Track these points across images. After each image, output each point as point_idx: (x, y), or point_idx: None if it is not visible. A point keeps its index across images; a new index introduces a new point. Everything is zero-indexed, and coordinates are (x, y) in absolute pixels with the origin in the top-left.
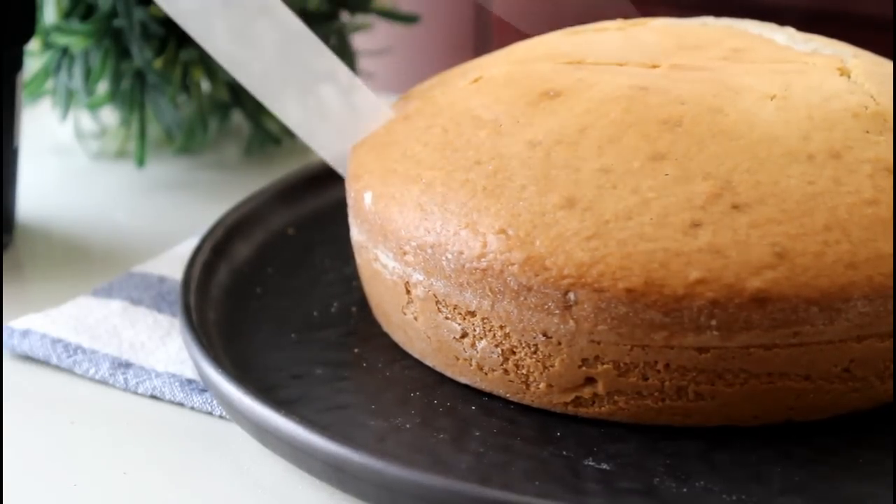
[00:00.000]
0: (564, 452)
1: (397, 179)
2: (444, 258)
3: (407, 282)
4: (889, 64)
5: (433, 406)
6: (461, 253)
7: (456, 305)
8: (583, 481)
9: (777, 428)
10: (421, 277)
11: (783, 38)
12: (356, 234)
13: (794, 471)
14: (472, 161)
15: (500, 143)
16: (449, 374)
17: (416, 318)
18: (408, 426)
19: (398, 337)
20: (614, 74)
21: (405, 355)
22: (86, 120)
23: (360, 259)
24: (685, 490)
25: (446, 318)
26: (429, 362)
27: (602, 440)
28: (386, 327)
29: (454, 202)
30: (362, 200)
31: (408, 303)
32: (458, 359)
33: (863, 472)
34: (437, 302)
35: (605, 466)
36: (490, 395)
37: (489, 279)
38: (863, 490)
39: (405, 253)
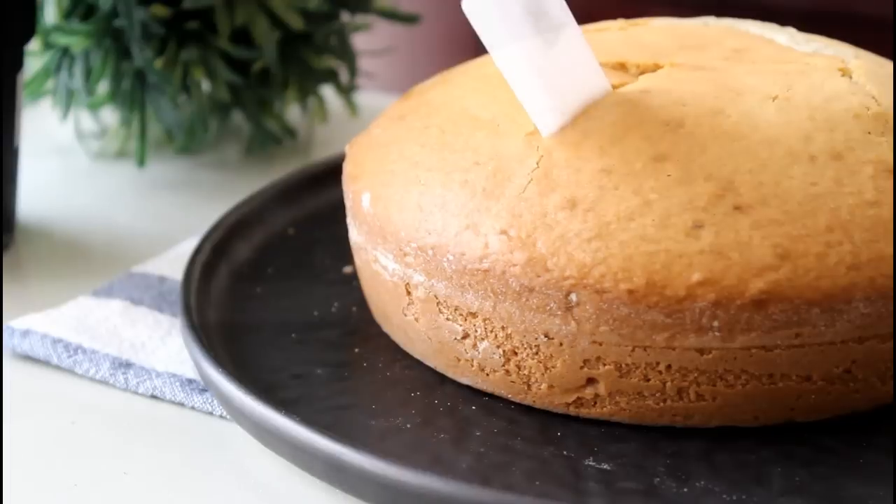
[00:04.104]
0: (565, 452)
1: (396, 181)
2: (444, 259)
3: (407, 283)
4: (890, 65)
5: (434, 406)
6: (463, 254)
7: (457, 307)
8: (583, 481)
9: (777, 428)
10: (421, 279)
11: (784, 38)
12: (355, 235)
13: (795, 471)
14: (471, 162)
15: (498, 143)
16: (450, 374)
17: (416, 320)
18: (408, 426)
19: (399, 338)
20: (614, 76)
21: (406, 355)
22: (86, 120)
23: (360, 260)
24: (685, 490)
25: (447, 319)
26: (429, 363)
27: (603, 440)
28: (386, 328)
29: (454, 203)
30: (360, 202)
31: (408, 304)
32: (459, 360)
33: (863, 472)
34: (438, 303)
35: (605, 466)
36: (491, 395)
37: (491, 280)
38: (863, 490)
39: (405, 254)
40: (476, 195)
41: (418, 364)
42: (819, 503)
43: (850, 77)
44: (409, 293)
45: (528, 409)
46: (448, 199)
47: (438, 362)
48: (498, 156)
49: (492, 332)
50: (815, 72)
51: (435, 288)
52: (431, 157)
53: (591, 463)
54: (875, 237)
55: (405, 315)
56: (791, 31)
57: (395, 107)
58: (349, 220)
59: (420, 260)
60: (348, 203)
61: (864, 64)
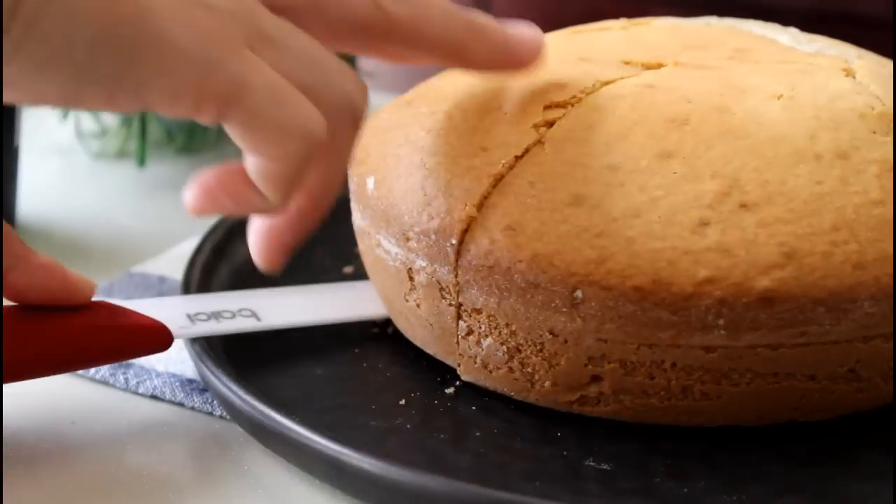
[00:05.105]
0: (565, 453)
1: (400, 165)
2: (448, 244)
3: (410, 268)
4: (891, 64)
5: (433, 406)
6: (468, 250)
7: (462, 303)
8: (583, 481)
9: (778, 428)
10: (424, 263)
11: (787, 38)
12: (359, 220)
13: (795, 471)
14: (477, 147)
15: (505, 131)
16: (449, 362)
17: (418, 305)
18: (408, 426)
19: (400, 324)
20: (619, 70)
21: (405, 355)
22: (86, 120)
23: (363, 245)
24: (685, 490)
25: (449, 304)
26: (430, 350)
27: (602, 440)
28: (388, 314)
29: (459, 188)
30: (365, 185)
31: (410, 289)
32: (462, 356)
33: (863, 472)
34: (441, 288)
35: (605, 466)
36: (490, 395)
37: (496, 276)
38: (863, 490)
39: (408, 238)
40: (481, 181)
41: (418, 364)
42: (819, 503)
43: (854, 77)
44: (411, 278)
45: (528, 410)
46: (453, 184)
47: (439, 349)
48: (506, 144)
49: (496, 328)
50: (818, 71)
51: (437, 273)
52: (437, 141)
53: (591, 463)
54: (880, 236)
55: (407, 300)
56: (793, 31)
57: (398, 100)
58: (353, 205)
59: (423, 244)
60: (353, 187)
61: (867, 64)
